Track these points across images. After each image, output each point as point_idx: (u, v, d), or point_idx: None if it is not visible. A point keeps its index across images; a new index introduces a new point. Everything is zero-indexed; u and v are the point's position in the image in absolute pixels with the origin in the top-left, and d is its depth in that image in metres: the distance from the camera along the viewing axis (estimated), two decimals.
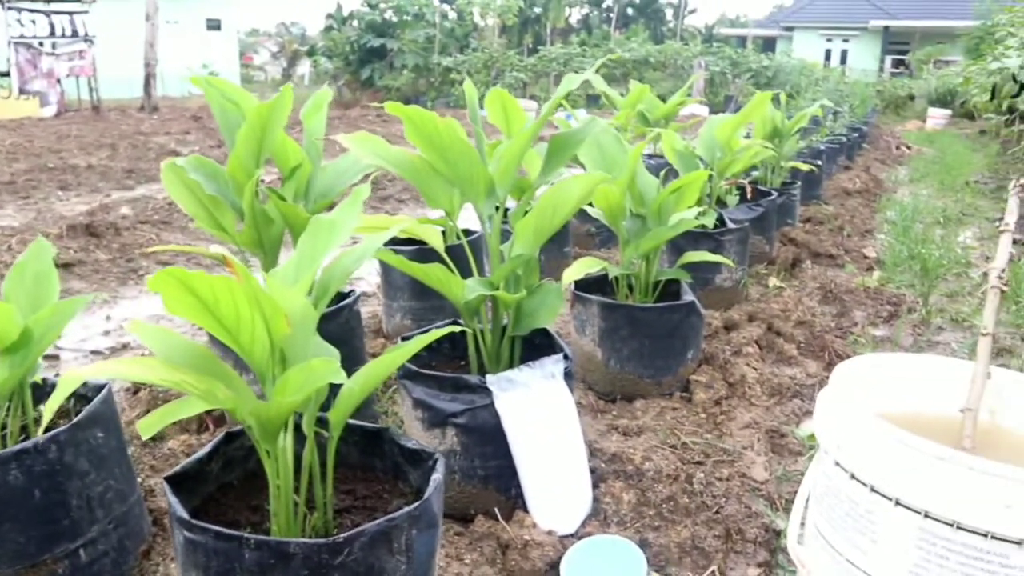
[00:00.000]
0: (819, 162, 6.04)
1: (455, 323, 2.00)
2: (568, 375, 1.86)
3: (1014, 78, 7.81)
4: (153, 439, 2.28)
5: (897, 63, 29.09)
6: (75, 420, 1.57)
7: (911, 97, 20.62)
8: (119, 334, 3.37)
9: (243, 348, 1.22)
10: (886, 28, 30.23)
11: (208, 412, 2.32)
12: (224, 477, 1.49)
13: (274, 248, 2.23)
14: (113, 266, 4.27)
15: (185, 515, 1.22)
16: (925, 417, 1.51)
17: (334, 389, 1.34)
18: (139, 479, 2.02)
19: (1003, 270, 1.47)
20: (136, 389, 2.62)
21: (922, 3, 30.12)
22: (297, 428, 1.38)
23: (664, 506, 1.91)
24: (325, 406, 1.41)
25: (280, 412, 1.17)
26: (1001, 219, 1.53)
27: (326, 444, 1.40)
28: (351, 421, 1.52)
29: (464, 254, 2.06)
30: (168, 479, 1.32)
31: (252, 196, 2.05)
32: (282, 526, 1.33)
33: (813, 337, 3.12)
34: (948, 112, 17.23)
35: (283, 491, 1.33)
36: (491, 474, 1.83)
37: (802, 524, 1.46)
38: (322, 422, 1.40)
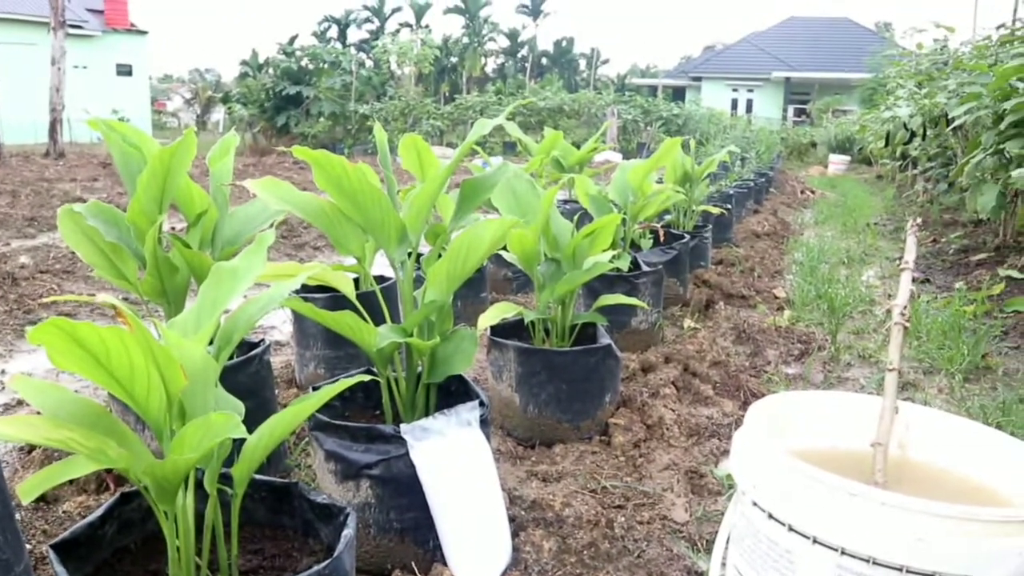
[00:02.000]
0: (729, 206, 6.21)
1: (368, 372, 1.95)
2: (484, 422, 1.83)
3: (905, 126, 8.25)
4: (47, 501, 2.15)
5: (799, 112, 30.48)
6: None
7: (813, 144, 21.58)
8: (14, 390, 3.18)
9: (138, 403, 1.16)
10: (787, 79, 31.66)
11: (108, 471, 2.20)
12: (120, 541, 1.39)
13: (179, 298, 2.14)
14: (9, 318, 4.06)
15: None
16: (839, 453, 1.53)
17: (240, 443, 1.28)
18: (29, 546, 1.89)
19: (905, 306, 1.51)
20: (30, 448, 2.46)
21: (820, 56, 31.73)
22: (199, 485, 1.31)
23: (585, 553, 1.88)
24: (230, 461, 1.34)
25: (177, 470, 1.11)
26: (900, 258, 1.57)
27: (230, 502, 1.33)
28: (258, 476, 1.45)
29: (378, 301, 2.02)
30: (55, 546, 1.23)
31: (154, 243, 1.97)
32: None
33: (728, 377, 3.17)
34: (848, 158, 18.09)
35: (184, 554, 1.25)
36: (408, 527, 1.78)
37: (723, 565, 1.46)
38: (226, 478, 1.33)
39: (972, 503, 1.18)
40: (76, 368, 1.08)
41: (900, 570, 1.08)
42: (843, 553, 1.13)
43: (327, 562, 1.21)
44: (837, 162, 17.55)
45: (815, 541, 1.16)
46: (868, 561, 1.10)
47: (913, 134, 8.19)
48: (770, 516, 1.23)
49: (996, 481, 1.36)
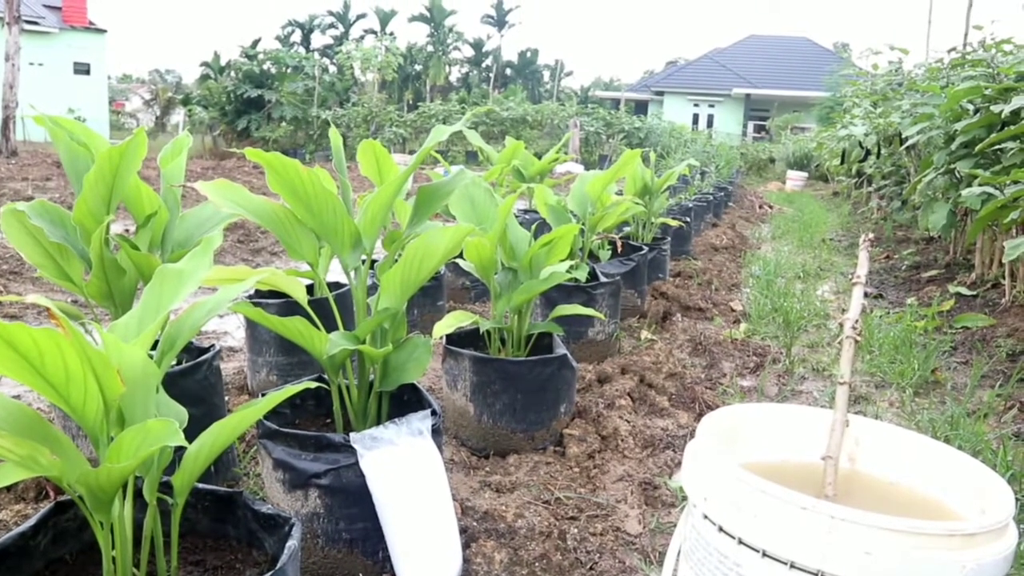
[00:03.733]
0: (688, 219, 6.27)
1: (319, 379, 1.92)
2: (436, 431, 1.80)
3: (860, 144, 8.40)
4: None
5: (758, 128, 30.93)
6: None
7: (771, 160, 21.90)
8: None
9: (74, 409, 1.11)
10: (748, 96, 32.15)
11: (48, 478, 2.14)
12: (55, 552, 1.34)
13: (126, 301, 2.09)
14: None
15: None
16: (790, 466, 1.53)
17: (184, 450, 1.25)
18: None
19: (856, 320, 1.52)
20: None
21: (779, 75, 32.29)
22: (139, 494, 1.27)
23: (537, 564, 1.87)
24: (173, 469, 1.30)
25: (111, 479, 1.07)
26: (854, 273, 1.59)
27: (171, 511, 1.29)
28: (201, 485, 1.41)
29: (331, 308, 1.98)
30: None
31: (101, 244, 1.92)
32: None
33: (684, 388, 3.18)
34: (805, 175, 18.38)
35: (120, 565, 1.21)
36: (357, 537, 1.74)
37: None
38: (168, 487, 1.29)
39: (920, 516, 1.19)
40: (8, 372, 1.04)
41: None
42: (792, 567, 1.12)
43: (269, 574, 1.18)
44: (795, 178, 17.83)
45: (764, 554, 1.15)
46: (817, 574, 1.10)
47: (868, 152, 8.35)
48: (720, 529, 1.22)
49: (943, 495, 1.37)
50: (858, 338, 1.53)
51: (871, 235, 1.69)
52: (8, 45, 14.34)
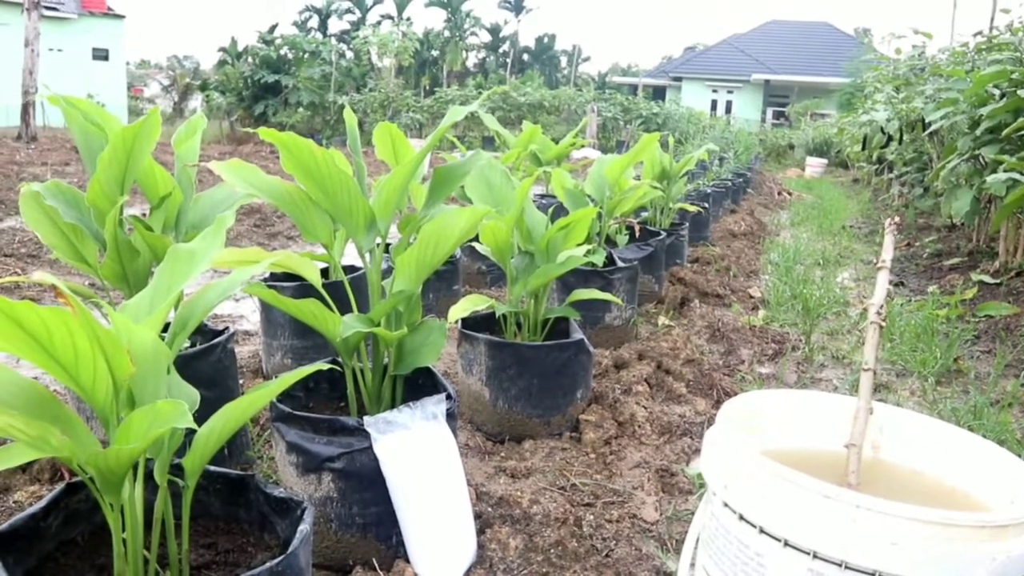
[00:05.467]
0: (706, 205, 6.20)
1: (333, 362, 1.90)
2: (451, 416, 1.78)
3: (882, 130, 8.28)
4: None
5: (778, 114, 30.64)
6: None
7: (791, 146, 21.69)
8: None
9: (84, 389, 1.10)
10: (767, 82, 31.84)
11: (59, 459, 2.14)
12: (66, 533, 1.33)
13: (140, 282, 2.08)
14: None
15: None
16: (811, 453, 1.50)
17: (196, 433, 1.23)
18: None
19: (881, 306, 1.48)
20: None
21: (799, 60, 31.97)
22: (150, 476, 1.26)
23: (552, 551, 1.84)
24: (184, 452, 1.29)
25: (121, 460, 1.05)
26: (875, 261, 1.55)
27: (182, 493, 1.27)
28: (213, 468, 1.40)
29: (346, 291, 1.96)
30: None
31: (115, 225, 1.90)
32: None
33: (702, 375, 3.14)
34: (825, 161, 18.20)
35: (131, 547, 1.20)
36: (370, 522, 1.73)
37: (692, 566, 1.42)
38: (179, 469, 1.28)
39: (946, 506, 1.16)
40: (18, 351, 1.02)
41: (873, 574, 1.05)
42: (815, 557, 1.09)
43: (281, 558, 1.16)
44: (814, 165, 17.65)
45: (786, 544, 1.12)
46: (840, 565, 1.07)
47: (890, 138, 8.23)
48: (741, 517, 1.20)
49: (970, 484, 1.34)
50: (883, 324, 1.49)
51: (896, 218, 1.65)
52: (27, 31, 14.39)
